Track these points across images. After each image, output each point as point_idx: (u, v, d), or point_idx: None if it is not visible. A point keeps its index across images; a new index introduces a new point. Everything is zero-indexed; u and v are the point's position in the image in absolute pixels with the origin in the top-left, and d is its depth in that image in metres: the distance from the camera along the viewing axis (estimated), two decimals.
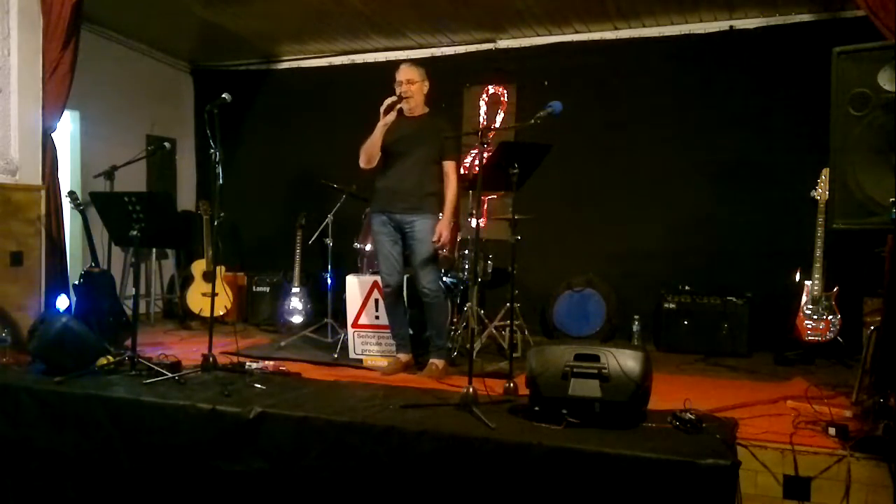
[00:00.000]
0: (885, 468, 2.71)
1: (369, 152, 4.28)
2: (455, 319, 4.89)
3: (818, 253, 4.73)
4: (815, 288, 4.76)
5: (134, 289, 4.80)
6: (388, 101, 4.21)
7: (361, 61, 6.84)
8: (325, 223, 5.60)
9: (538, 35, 6.22)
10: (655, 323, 5.55)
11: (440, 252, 4.30)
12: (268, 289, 6.50)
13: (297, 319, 5.92)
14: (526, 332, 5.08)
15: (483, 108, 6.38)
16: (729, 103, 5.71)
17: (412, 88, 4.25)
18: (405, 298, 4.42)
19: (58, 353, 3.97)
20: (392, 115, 4.22)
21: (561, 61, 6.10)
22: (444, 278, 4.76)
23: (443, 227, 4.18)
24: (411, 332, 4.47)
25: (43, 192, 4.88)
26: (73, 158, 6.27)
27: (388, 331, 4.48)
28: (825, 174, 4.56)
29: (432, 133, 4.22)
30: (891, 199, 2.87)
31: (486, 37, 6.33)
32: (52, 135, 4.96)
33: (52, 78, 4.84)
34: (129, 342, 4.21)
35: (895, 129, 2.88)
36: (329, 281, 5.55)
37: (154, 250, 6.62)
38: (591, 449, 2.79)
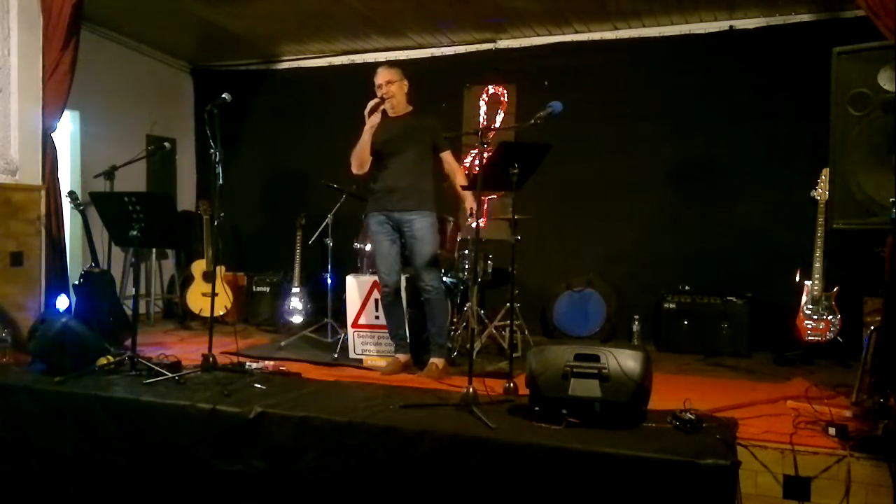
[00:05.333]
0: (885, 468, 2.71)
1: (360, 157, 4.34)
2: (455, 319, 4.89)
3: (818, 253, 4.73)
4: (815, 288, 4.76)
5: (134, 289, 4.80)
6: (371, 103, 4.28)
7: (361, 61, 6.83)
8: (325, 223, 5.60)
9: (538, 35, 6.22)
10: (655, 323, 5.55)
11: (440, 251, 4.33)
12: (268, 289, 6.49)
13: (297, 319, 5.92)
14: (526, 332, 5.08)
15: (483, 108, 6.38)
16: (729, 103, 5.70)
17: (392, 88, 4.33)
18: (404, 298, 4.42)
19: (58, 353, 3.97)
20: (377, 118, 4.28)
21: (561, 61, 6.10)
22: (444, 278, 4.76)
23: (470, 202, 4.21)
24: (409, 331, 4.45)
25: (43, 192, 4.88)
26: (73, 158, 6.27)
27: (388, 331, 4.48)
28: (825, 174, 4.55)
29: (420, 130, 4.32)
30: (891, 199, 2.87)
31: (486, 37, 6.33)
32: (52, 135, 4.96)
33: (52, 78, 4.84)
34: (129, 342, 4.21)
35: (895, 129, 2.88)
36: (329, 281, 5.55)
37: (154, 250, 6.62)
38: (591, 449, 2.79)
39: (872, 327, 3.37)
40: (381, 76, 4.38)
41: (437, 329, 4.31)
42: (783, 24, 5.55)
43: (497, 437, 2.94)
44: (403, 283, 4.43)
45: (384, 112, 4.33)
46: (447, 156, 4.38)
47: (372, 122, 4.27)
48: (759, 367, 4.75)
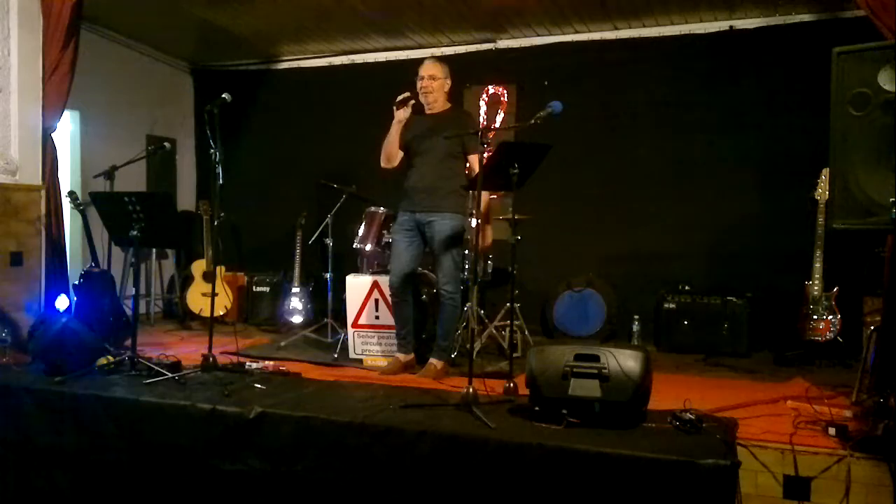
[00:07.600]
0: (885, 468, 2.71)
1: (387, 151, 4.27)
2: None
3: (818, 253, 4.72)
4: (815, 288, 4.76)
5: (134, 289, 4.79)
6: (401, 97, 4.18)
7: (361, 61, 6.84)
8: (325, 223, 5.60)
9: (538, 35, 6.22)
10: (655, 323, 5.54)
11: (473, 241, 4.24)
12: (268, 289, 6.50)
13: (297, 319, 5.92)
14: (526, 332, 5.08)
15: (483, 108, 6.38)
16: (729, 103, 5.71)
17: (433, 85, 4.19)
18: (410, 299, 4.39)
19: (58, 353, 3.97)
20: (406, 112, 4.18)
21: (561, 61, 6.10)
22: None
23: (481, 236, 4.12)
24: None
25: (43, 192, 4.88)
26: (73, 158, 6.27)
27: (389, 331, 4.47)
28: (825, 174, 4.55)
29: (453, 127, 4.08)
30: (891, 199, 2.87)
31: (486, 37, 6.33)
32: (52, 135, 4.96)
33: (52, 78, 4.84)
34: (129, 342, 4.21)
35: (895, 129, 2.88)
36: (329, 281, 5.55)
37: (154, 250, 6.62)
38: (591, 449, 2.79)
39: (872, 327, 3.38)
40: (426, 69, 4.20)
41: (443, 332, 4.26)
42: (783, 24, 5.55)
43: (497, 437, 2.94)
44: (411, 283, 4.36)
45: (421, 108, 4.20)
46: (472, 160, 4.17)
47: (399, 116, 4.17)
48: (759, 367, 4.74)
